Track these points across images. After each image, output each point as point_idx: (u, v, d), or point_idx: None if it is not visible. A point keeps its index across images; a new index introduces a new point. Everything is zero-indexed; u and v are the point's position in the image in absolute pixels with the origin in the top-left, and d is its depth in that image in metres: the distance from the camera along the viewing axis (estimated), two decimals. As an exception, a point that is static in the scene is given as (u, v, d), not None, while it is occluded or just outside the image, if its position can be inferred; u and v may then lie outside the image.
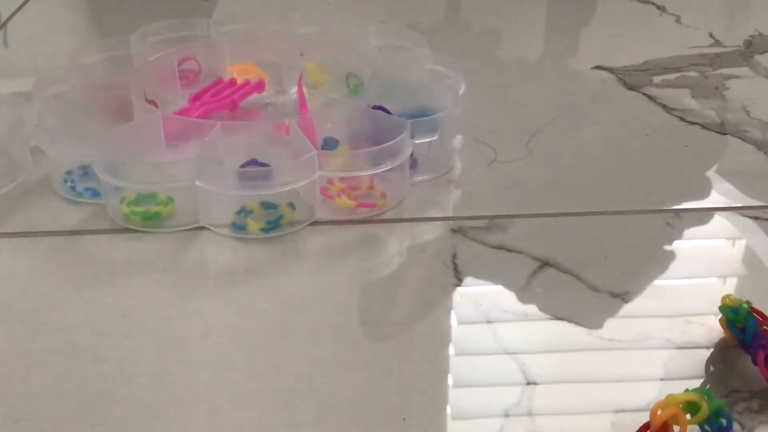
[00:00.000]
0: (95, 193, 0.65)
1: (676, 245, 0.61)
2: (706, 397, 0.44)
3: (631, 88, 0.84)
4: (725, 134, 0.75)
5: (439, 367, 0.50)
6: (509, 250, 0.60)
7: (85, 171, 0.66)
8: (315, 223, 0.63)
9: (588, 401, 0.48)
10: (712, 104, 0.80)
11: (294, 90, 0.78)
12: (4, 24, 1.01)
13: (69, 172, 0.66)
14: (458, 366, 0.50)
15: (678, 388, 0.45)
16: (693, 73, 0.87)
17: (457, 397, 0.48)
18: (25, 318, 0.54)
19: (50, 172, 0.67)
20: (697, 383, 0.49)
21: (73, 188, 0.65)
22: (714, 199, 0.66)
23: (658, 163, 0.71)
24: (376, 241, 0.62)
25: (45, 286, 0.57)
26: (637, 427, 0.44)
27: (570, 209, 0.65)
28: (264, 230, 0.61)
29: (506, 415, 0.47)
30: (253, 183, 0.60)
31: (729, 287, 0.58)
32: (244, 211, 0.63)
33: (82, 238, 0.61)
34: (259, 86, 0.76)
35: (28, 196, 0.66)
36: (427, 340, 0.52)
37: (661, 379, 0.49)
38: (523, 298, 0.56)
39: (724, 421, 0.44)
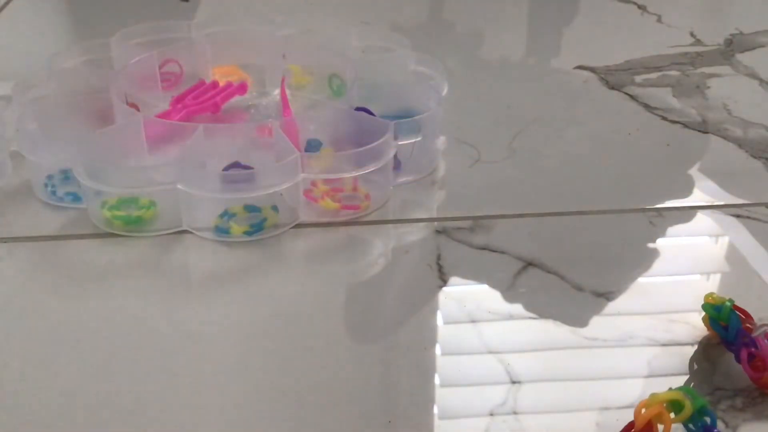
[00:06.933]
0: (76, 198, 0.64)
1: (659, 243, 0.61)
2: (689, 396, 0.44)
3: (612, 88, 0.84)
4: (707, 133, 0.76)
5: (425, 368, 0.50)
6: (493, 251, 0.60)
7: (66, 175, 0.65)
8: (299, 225, 0.63)
9: (573, 400, 0.48)
10: (693, 103, 0.81)
11: (277, 92, 0.78)
12: (-17, 27, 1.00)
13: (49, 177, 0.66)
14: (443, 366, 0.50)
15: (662, 386, 0.45)
16: (674, 72, 0.87)
17: (442, 398, 0.48)
18: (6, 324, 0.53)
19: (30, 177, 0.66)
20: (681, 381, 0.49)
21: (53, 193, 0.65)
22: (696, 198, 0.67)
23: (640, 162, 0.72)
24: (361, 243, 0.62)
25: (26, 292, 0.56)
26: (622, 426, 0.44)
27: (553, 209, 0.65)
28: (247, 233, 0.61)
29: (491, 415, 0.47)
30: (236, 186, 0.60)
31: (712, 285, 0.58)
32: (227, 215, 0.62)
33: (63, 243, 0.61)
34: (242, 88, 0.76)
35: (7, 202, 0.65)
36: (412, 341, 0.52)
37: (646, 377, 0.49)
38: (508, 298, 0.56)
39: (708, 419, 0.44)
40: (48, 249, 0.60)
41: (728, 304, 0.50)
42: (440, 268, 0.58)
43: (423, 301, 0.55)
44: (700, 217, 0.64)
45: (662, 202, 0.66)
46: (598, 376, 0.50)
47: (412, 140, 0.66)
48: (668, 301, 0.56)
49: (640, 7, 1.05)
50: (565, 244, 0.61)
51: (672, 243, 0.62)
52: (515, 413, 0.47)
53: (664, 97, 0.82)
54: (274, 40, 0.80)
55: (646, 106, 0.80)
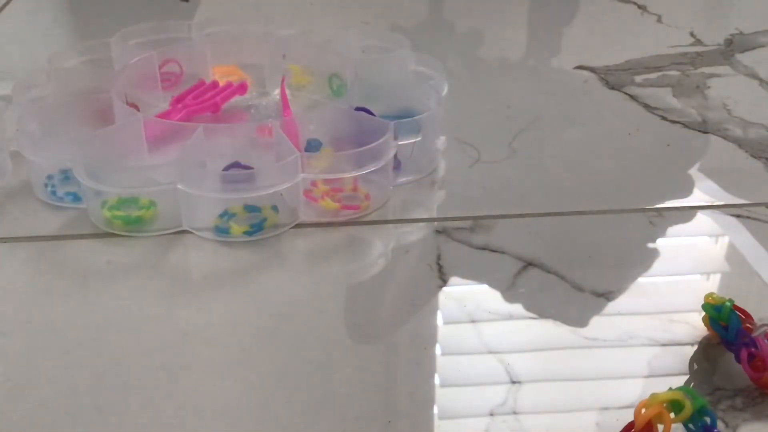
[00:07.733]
0: (76, 198, 0.64)
1: (659, 243, 0.61)
2: (689, 396, 0.44)
3: (613, 88, 0.84)
4: (707, 133, 0.76)
5: (425, 368, 0.50)
6: (493, 251, 0.60)
7: (66, 175, 0.65)
8: (299, 225, 0.63)
9: (573, 400, 0.48)
10: (693, 103, 0.81)
11: (277, 92, 0.78)
12: (-17, 27, 1.00)
13: (50, 177, 0.66)
14: (443, 366, 0.50)
15: (662, 385, 0.45)
16: (674, 72, 0.87)
17: (442, 398, 0.48)
18: (6, 324, 0.53)
19: (30, 177, 0.66)
20: (681, 381, 0.49)
21: (53, 193, 0.65)
22: (696, 198, 0.67)
23: (640, 162, 0.72)
24: (361, 243, 0.62)
25: (26, 292, 0.56)
26: (622, 426, 0.44)
27: (553, 209, 0.65)
28: (247, 233, 0.61)
29: (491, 415, 0.47)
30: (236, 186, 0.60)
31: (712, 284, 0.58)
32: (227, 215, 0.62)
33: (63, 243, 0.61)
34: (242, 88, 0.76)
35: (8, 202, 0.65)
36: (412, 341, 0.52)
37: (646, 377, 0.49)
38: (508, 298, 0.56)
39: (708, 419, 0.44)
40: (48, 249, 0.60)
41: (728, 304, 0.50)
42: (440, 268, 0.58)
43: (423, 301, 0.55)
44: (700, 217, 0.64)
45: (662, 202, 0.66)
46: (598, 376, 0.50)
47: (412, 140, 0.66)
48: (668, 301, 0.56)
49: (640, 7, 1.05)
50: (565, 244, 0.61)
51: (672, 243, 0.62)
52: (515, 413, 0.47)
53: (664, 97, 0.82)
54: (273, 40, 0.80)
55: (646, 106, 0.80)
